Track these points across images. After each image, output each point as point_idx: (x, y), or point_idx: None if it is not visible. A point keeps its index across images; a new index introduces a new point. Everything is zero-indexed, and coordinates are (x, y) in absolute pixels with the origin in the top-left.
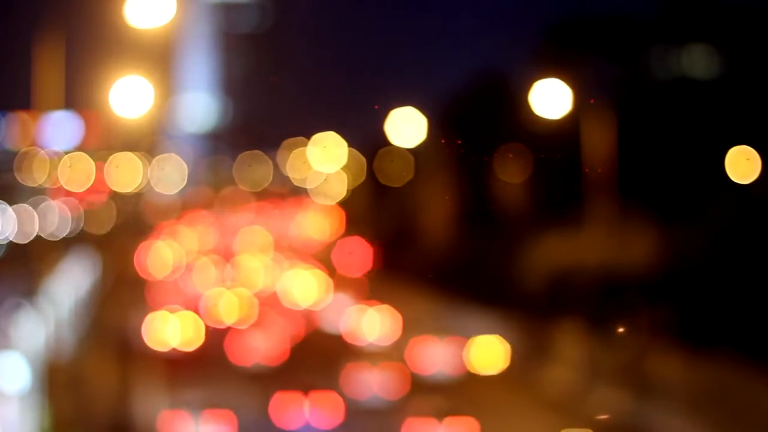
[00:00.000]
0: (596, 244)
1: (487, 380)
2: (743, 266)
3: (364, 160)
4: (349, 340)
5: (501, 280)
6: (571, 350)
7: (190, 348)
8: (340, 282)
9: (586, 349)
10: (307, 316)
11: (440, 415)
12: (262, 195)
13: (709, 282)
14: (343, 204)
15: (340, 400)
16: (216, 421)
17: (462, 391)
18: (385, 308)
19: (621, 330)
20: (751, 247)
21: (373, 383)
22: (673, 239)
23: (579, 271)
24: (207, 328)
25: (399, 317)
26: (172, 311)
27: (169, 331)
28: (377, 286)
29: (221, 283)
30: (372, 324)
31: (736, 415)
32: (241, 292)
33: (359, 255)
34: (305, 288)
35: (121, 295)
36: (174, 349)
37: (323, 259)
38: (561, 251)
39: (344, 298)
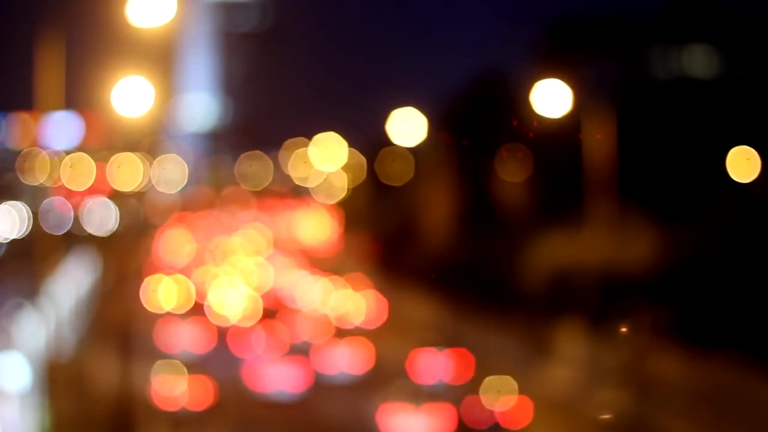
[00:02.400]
0: (597, 243)
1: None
2: (744, 266)
3: (364, 159)
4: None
5: (501, 280)
6: (572, 350)
7: (182, 311)
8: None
9: (587, 349)
10: (281, 295)
11: (341, 336)
12: (264, 194)
13: (710, 281)
14: (343, 203)
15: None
16: (200, 328)
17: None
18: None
19: (622, 330)
20: (752, 246)
21: (304, 331)
22: (673, 239)
23: (579, 270)
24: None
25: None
26: (167, 274)
27: (164, 295)
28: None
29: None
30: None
31: (736, 415)
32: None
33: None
34: (285, 275)
35: (122, 293)
36: (168, 313)
37: (308, 252)
38: (562, 251)
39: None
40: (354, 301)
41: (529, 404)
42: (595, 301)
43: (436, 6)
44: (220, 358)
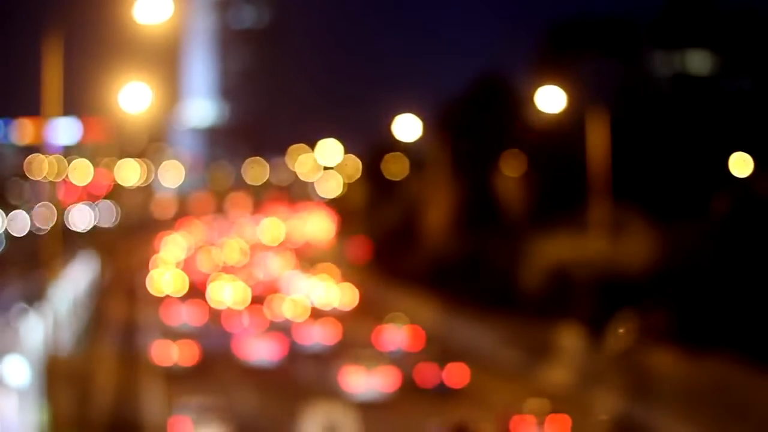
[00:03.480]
0: (596, 244)
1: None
2: (741, 265)
3: (360, 163)
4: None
5: (499, 279)
6: (571, 350)
7: (179, 294)
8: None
9: (586, 349)
10: (270, 286)
11: (317, 317)
12: (264, 193)
13: (707, 281)
14: (340, 202)
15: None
16: (198, 308)
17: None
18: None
19: (620, 329)
20: (749, 246)
21: (286, 313)
22: (671, 239)
23: (579, 270)
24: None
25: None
26: (167, 268)
27: (164, 282)
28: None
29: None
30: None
31: (735, 414)
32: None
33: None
34: (276, 270)
35: (128, 281)
36: (167, 296)
37: (300, 250)
38: (560, 251)
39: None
40: (332, 290)
41: (466, 369)
42: (594, 300)
43: (436, 7)
44: (213, 331)
